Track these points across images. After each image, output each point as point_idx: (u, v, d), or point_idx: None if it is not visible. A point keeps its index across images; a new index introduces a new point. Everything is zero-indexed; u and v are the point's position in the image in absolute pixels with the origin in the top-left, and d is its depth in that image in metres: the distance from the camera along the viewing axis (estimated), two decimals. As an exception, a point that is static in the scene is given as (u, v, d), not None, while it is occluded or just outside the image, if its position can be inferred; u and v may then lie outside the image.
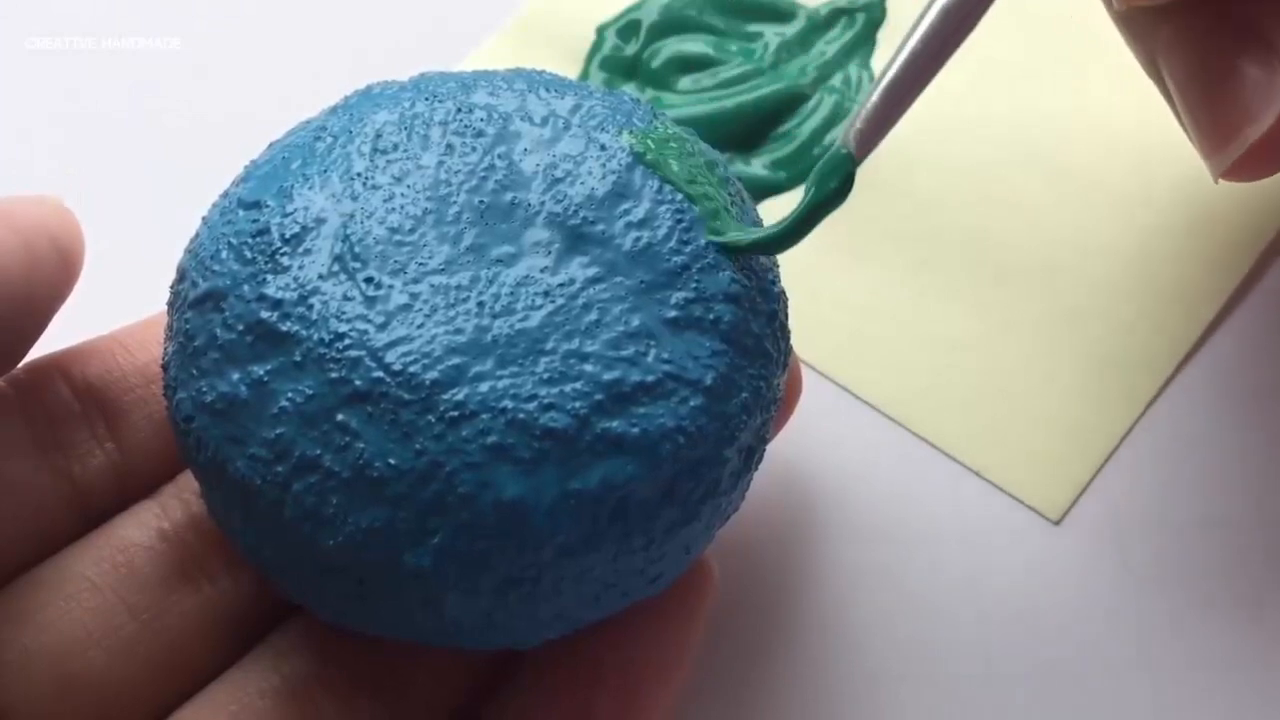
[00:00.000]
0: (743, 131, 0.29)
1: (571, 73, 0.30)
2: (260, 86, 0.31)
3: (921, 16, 0.20)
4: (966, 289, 0.27)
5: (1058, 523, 0.25)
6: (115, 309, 0.23)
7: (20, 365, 0.21)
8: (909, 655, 0.23)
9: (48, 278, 0.20)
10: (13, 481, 0.20)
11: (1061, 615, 0.24)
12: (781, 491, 0.25)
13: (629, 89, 0.30)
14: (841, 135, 0.19)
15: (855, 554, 0.24)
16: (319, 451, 0.18)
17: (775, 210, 0.28)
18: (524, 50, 0.31)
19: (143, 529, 0.20)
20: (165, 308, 0.22)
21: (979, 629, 0.24)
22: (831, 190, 0.19)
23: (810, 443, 0.25)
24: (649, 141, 0.20)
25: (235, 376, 0.19)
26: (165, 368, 0.20)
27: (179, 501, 0.21)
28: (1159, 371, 0.26)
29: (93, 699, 0.19)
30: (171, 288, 0.21)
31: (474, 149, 0.20)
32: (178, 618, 0.20)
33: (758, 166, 0.29)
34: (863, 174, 0.28)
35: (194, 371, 0.19)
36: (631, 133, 0.20)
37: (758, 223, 0.21)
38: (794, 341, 0.27)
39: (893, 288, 0.27)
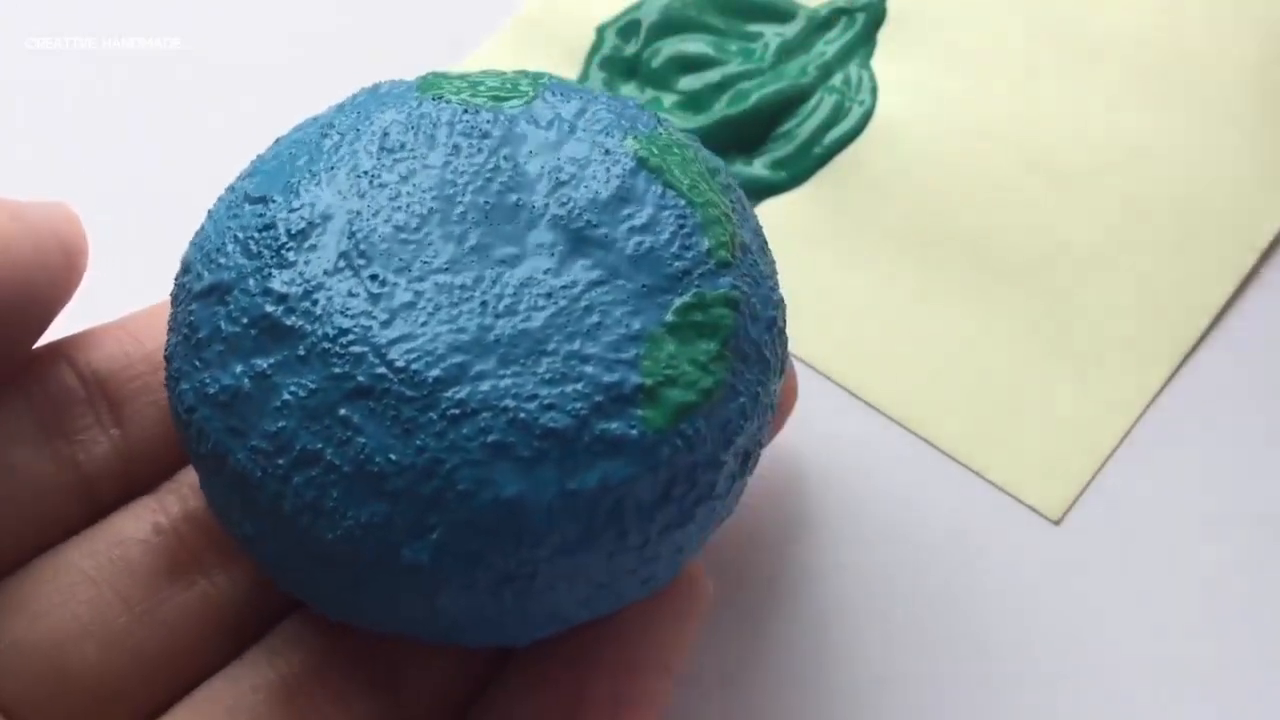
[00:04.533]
0: (743, 133, 0.29)
1: (571, 73, 0.30)
2: (260, 86, 0.31)
3: None
4: (966, 289, 0.27)
5: (1058, 523, 0.25)
6: (116, 306, 0.24)
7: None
8: (908, 655, 0.23)
9: (53, 274, 0.20)
10: (16, 467, 0.20)
11: (1061, 615, 0.24)
12: (781, 491, 0.25)
13: (629, 89, 0.30)
14: None
15: (855, 554, 0.24)
16: (320, 445, 0.18)
17: (775, 210, 0.28)
18: (524, 50, 0.31)
19: (139, 523, 0.20)
20: (169, 299, 0.21)
21: (979, 629, 0.24)
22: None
23: (810, 443, 0.25)
24: (652, 147, 0.20)
25: (239, 369, 0.19)
26: (168, 359, 0.20)
27: (176, 497, 0.21)
28: (1159, 371, 0.26)
29: (86, 691, 0.19)
30: (176, 280, 0.21)
31: (480, 150, 0.20)
32: (172, 612, 0.20)
33: (758, 166, 0.29)
34: (863, 174, 0.29)
35: (197, 363, 0.19)
36: (636, 138, 0.21)
37: (757, 230, 0.21)
38: (795, 342, 0.27)
39: (893, 288, 0.27)
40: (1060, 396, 0.26)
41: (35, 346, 0.22)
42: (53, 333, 0.22)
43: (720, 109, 0.29)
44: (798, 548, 0.24)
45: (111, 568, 0.20)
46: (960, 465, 0.25)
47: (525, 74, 0.22)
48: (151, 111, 0.30)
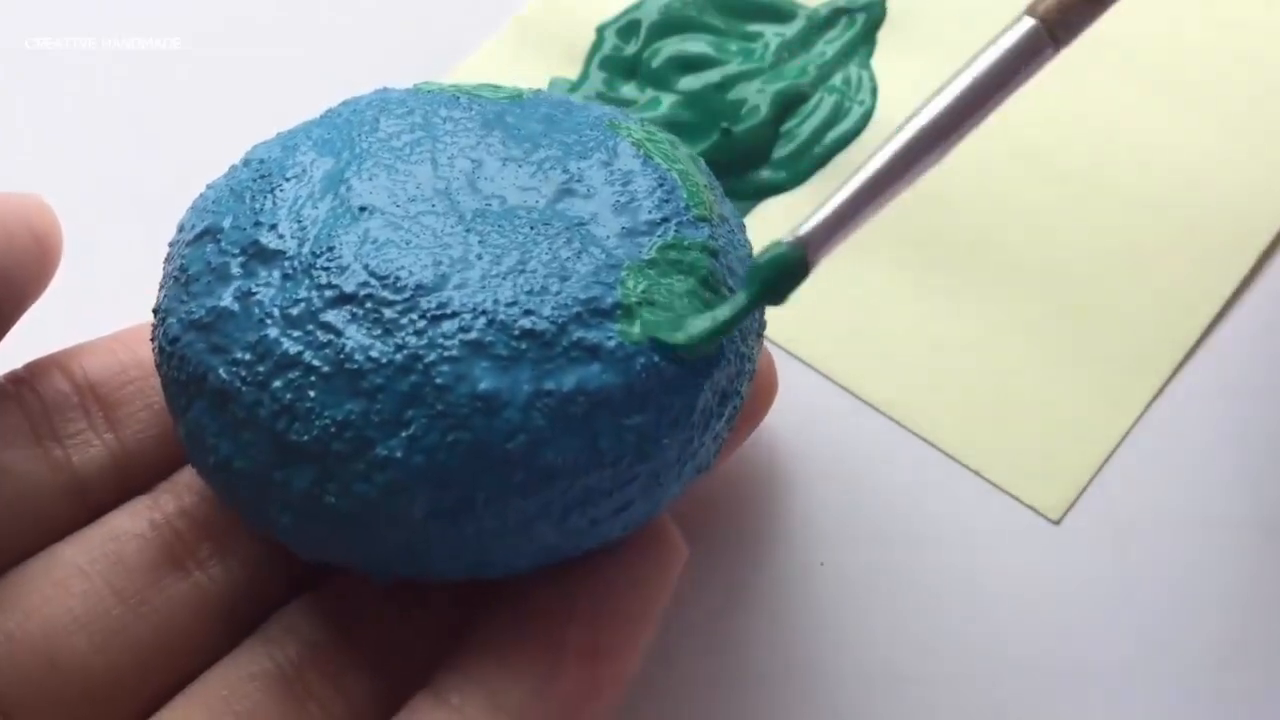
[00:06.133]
0: (748, 151, 0.29)
1: (571, 73, 0.30)
2: (260, 86, 0.31)
3: (905, 122, 0.20)
4: (967, 289, 0.27)
5: (1058, 523, 0.25)
6: (113, 308, 0.24)
7: (22, 364, 0.22)
8: (908, 655, 0.23)
9: (24, 263, 0.21)
10: (9, 470, 0.20)
11: (1061, 615, 0.24)
12: (780, 490, 0.25)
13: (629, 89, 0.30)
14: (796, 231, 0.19)
15: (855, 553, 0.24)
16: (301, 349, 0.19)
17: (775, 210, 0.28)
18: (524, 50, 0.31)
19: (134, 519, 0.21)
20: None
21: (979, 629, 0.24)
22: (775, 292, 0.19)
23: (810, 442, 0.25)
24: (635, 134, 0.22)
25: (225, 293, 0.19)
26: (156, 311, 0.21)
27: (172, 495, 0.21)
28: (1159, 371, 0.26)
29: (79, 683, 0.19)
30: (170, 244, 0.21)
31: (471, 124, 0.21)
32: (166, 604, 0.20)
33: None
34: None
35: (184, 298, 0.20)
36: (618, 124, 0.22)
37: (735, 214, 0.22)
38: (794, 341, 0.27)
39: (893, 287, 0.27)
40: (1060, 396, 0.26)
41: (30, 361, 0.22)
42: (53, 339, 0.22)
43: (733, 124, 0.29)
44: (797, 547, 0.24)
45: (105, 561, 0.20)
46: (960, 465, 0.25)
47: (514, 88, 0.23)
48: (151, 111, 0.30)
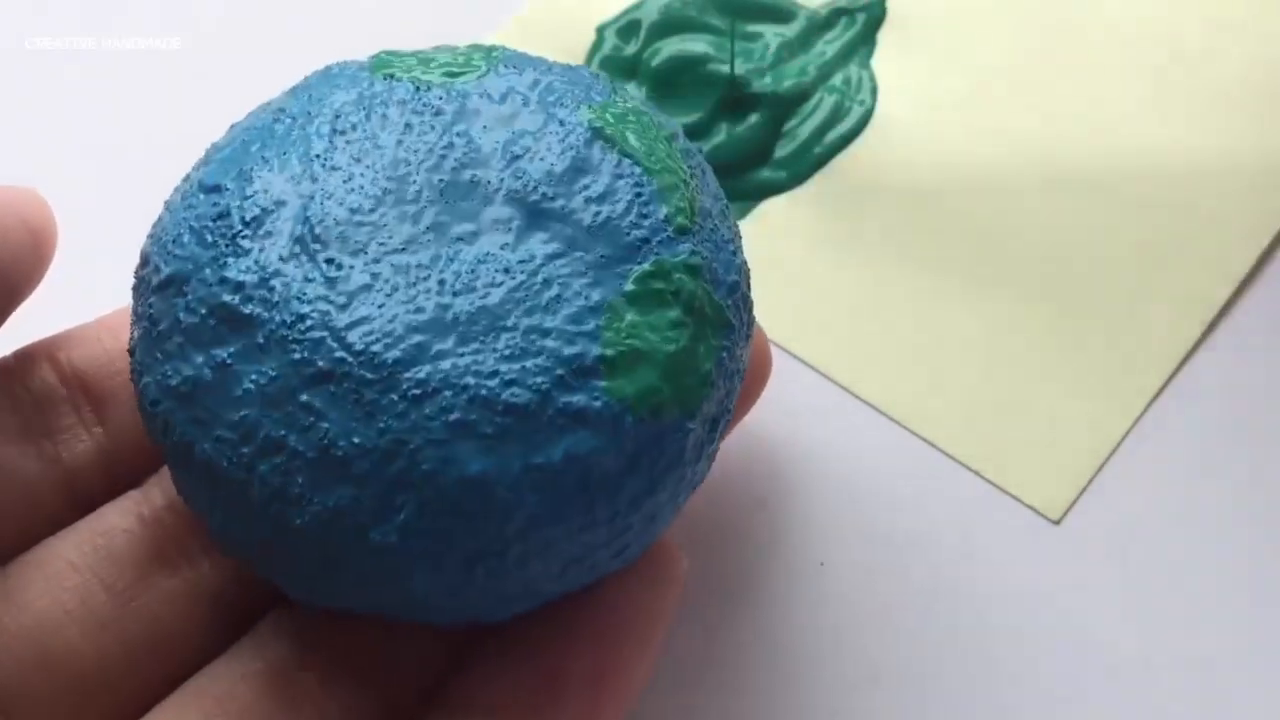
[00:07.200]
0: (754, 146, 0.29)
1: (571, 73, 0.30)
2: (260, 86, 0.31)
3: None
4: (967, 288, 0.27)
5: (1058, 523, 0.25)
6: (111, 308, 0.24)
7: (9, 353, 0.22)
8: (908, 655, 0.23)
9: (19, 256, 0.21)
10: (1, 466, 0.20)
11: (1061, 615, 0.24)
12: (780, 491, 0.25)
13: (629, 89, 0.30)
14: None
15: (855, 554, 0.24)
16: (284, 432, 0.18)
17: (775, 210, 0.28)
18: (524, 50, 0.31)
19: (124, 515, 0.21)
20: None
21: (979, 629, 0.24)
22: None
23: (809, 442, 0.25)
24: (607, 115, 0.20)
25: (199, 360, 0.19)
26: (132, 352, 0.20)
27: (161, 490, 0.21)
28: (1159, 371, 0.26)
29: (71, 676, 0.19)
30: (136, 273, 0.21)
31: (432, 127, 0.20)
32: (156, 598, 0.20)
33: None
34: (864, 174, 0.29)
35: (158, 355, 0.19)
36: (590, 107, 0.21)
37: (718, 194, 0.21)
38: (795, 342, 0.27)
39: (893, 287, 0.27)
40: (1060, 396, 0.26)
41: (17, 349, 0.22)
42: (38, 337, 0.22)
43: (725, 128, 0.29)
44: (796, 548, 0.24)
45: (95, 556, 0.20)
46: (960, 465, 0.25)
47: (479, 48, 0.22)
48: (151, 111, 0.30)
